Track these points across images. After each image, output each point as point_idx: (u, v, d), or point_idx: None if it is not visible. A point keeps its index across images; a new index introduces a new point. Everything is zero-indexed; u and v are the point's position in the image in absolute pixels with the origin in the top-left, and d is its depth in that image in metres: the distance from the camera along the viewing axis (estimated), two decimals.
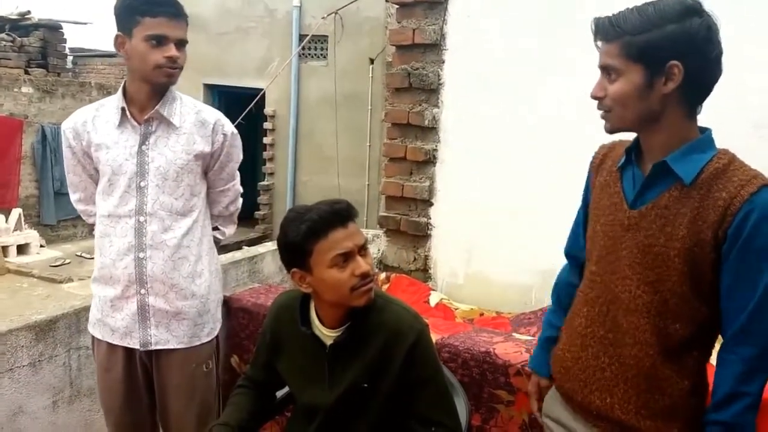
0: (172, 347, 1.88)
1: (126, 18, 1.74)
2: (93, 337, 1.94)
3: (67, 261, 8.09)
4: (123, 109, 1.82)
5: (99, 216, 1.88)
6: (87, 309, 2.17)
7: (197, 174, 1.89)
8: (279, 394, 1.80)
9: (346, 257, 1.43)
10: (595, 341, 1.36)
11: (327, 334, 1.54)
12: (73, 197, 1.99)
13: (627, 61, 1.22)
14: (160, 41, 1.73)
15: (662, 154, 1.26)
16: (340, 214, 1.44)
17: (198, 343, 1.92)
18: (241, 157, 2.00)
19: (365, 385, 1.50)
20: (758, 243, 1.17)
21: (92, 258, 8.32)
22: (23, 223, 8.24)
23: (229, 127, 1.95)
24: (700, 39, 1.19)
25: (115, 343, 1.87)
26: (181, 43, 1.77)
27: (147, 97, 1.81)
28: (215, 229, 2.05)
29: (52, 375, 2.08)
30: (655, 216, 1.26)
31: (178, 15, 1.76)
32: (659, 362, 1.27)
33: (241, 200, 2.11)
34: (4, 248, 7.69)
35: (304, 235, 1.43)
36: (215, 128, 1.90)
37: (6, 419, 1.96)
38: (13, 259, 7.75)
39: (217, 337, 2.01)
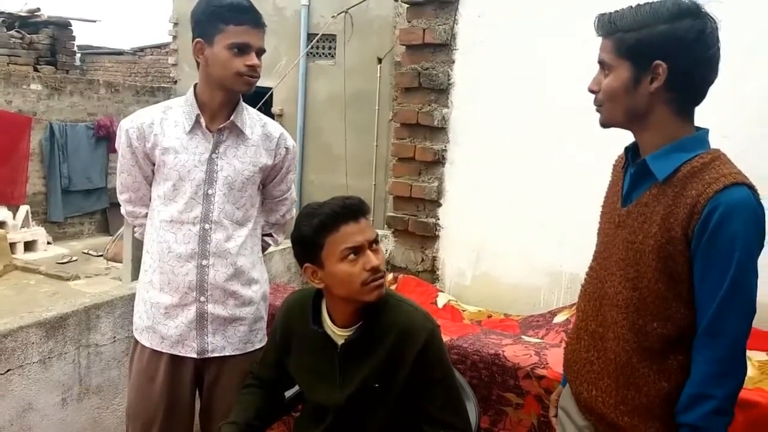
0: (228, 354, 1.86)
1: (208, 25, 1.72)
2: (137, 343, 1.89)
3: (74, 258, 8.11)
4: (198, 116, 1.79)
5: (158, 221, 1.83)
6: (97, 306, 2.19)
7: (257, 185, 1.89)
8: (288, 393, 1.81)
9: (357, 251, 1.45)
10: (587, 335, 1.39)
11: (338, 334, 1.55)
12: (122, 197, 1.95)
13: (617, 57, 1.26)
14: (242, 49, 1.71)
15: (651, 153, 1.28)
16: (351, 209, 1.47)
17: (252, 349, 1.90)
18: (297, 168, 2.00)
19: (376, 385, 1.50)
20: (722, 240, 1.16)
21: (99, 255, 8.34)
22: (30, 220, 8.28)
23: (290, 141, 1.97)
24: (689, 41, 1.20)
25: (163, 351, 1.84)
26: (260, 52, 1.76)
27: (219, 105, 1.80)
28: (268, 235, 2.06)
29: (61, 372, 2.08)
30: (637, 214, 1.28)
31: (260, 24, 1.75)
32: (635, 359, 1.28)
33: (295, 210, 2.11)
34: (12, 245, 7.71)
35: (316, 228, 1.46)
36: (279, 142, 1.91)
37: (16, 415, 1.96)
38: (21, 256, 7.77)
39: None
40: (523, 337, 2.26)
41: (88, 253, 8.44)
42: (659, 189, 1.25)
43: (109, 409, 2.27)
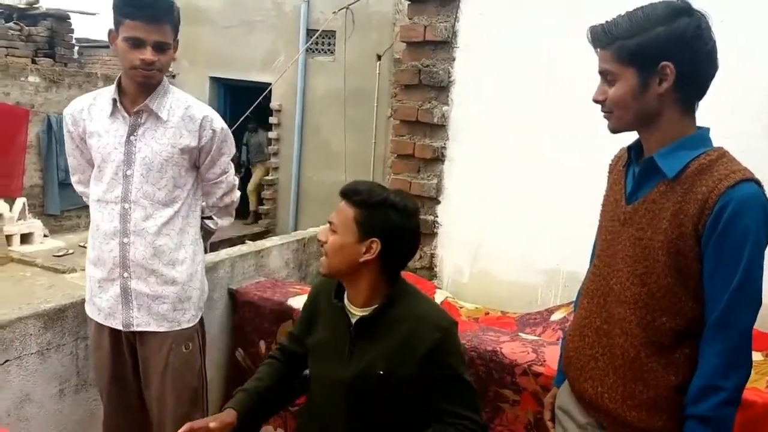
0: (152, 330, 1.95)
1: (114, 17, 1.82)
2: (87, 314, 2.03)
3: (71, 251, 8.09)
4: (114, 101, 1.89)
5: (90, 200, 1.97)
6: None
7: (183, 167, 1.95)
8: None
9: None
10: (592, 332, 1.40)
11: (355, 313, 1.58)
12: (73, 179, 2.11)
13: (621, 64, 1.27)
14: (136, 43, 1.79)
15: (658, 151, 1.30)
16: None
17: (178, 327, 1.98)
18: (233, 150, 2.08)
19: (381, 372, 1.51)
20: (733, 235, 1.19)
21: None
22: (27, 212, 8.24)
23: (219, 123, 1.99)
24: (689, 38, 1.23)
25: (100, 322, 1.96)
26: (159, 46, 1.81)
27: (136, 90, 1.89)
28: (208, 218, 2.14)
29: (59, 364, 2.08)
30: (645, 210, 1.30)
31: (157, 19, 1.79)
32: (644, 354, 1.30)
33: (238, 193, 2.19)
34: (8, 237, 7.70)
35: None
36: (203, 124, 1.95)
37: (13, 406, 1.96)
38: (17, 248, 7.76)
39: (201, 323, 2.08)
40: (520, 334, 2.27)
41: (84, 246, 8.41)
42: (667, 186, 1.27)
43: None
